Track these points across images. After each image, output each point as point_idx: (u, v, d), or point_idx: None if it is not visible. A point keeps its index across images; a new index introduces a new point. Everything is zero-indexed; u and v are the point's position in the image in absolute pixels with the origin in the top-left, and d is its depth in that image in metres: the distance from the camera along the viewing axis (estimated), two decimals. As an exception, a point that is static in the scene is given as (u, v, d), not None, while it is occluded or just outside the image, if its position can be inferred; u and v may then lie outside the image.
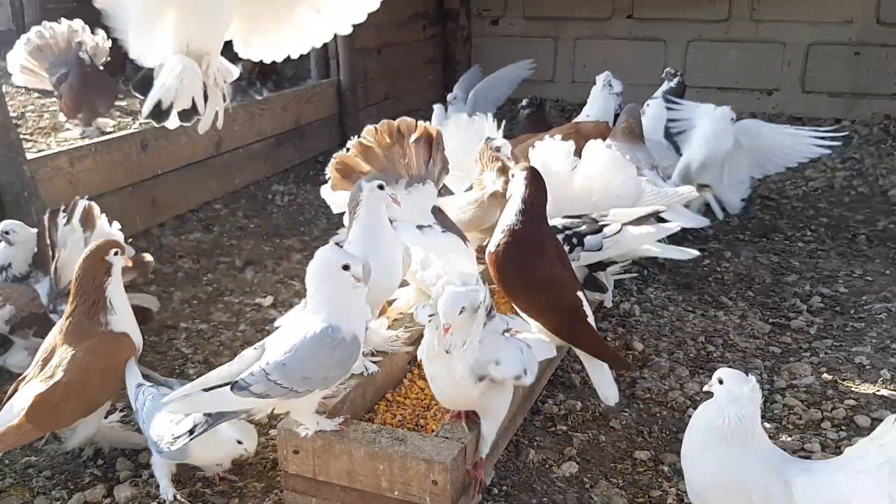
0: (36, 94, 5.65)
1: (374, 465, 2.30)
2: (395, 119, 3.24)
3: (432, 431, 2.54)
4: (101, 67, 4.96)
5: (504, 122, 4.39)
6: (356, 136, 3.25)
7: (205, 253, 4.63)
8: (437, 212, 3.13)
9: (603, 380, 2.77)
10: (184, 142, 4.89)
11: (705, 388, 2.27)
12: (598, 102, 5.35)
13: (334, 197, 3.30)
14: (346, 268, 2.19)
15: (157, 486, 2.56)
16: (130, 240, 3.49)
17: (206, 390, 2.19)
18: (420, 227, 2.92)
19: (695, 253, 3.31)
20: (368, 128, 3.21)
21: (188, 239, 4.80)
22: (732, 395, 2.14)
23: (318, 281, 2.24)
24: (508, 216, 2.73)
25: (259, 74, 6.43)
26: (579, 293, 2.77)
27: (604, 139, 4.18)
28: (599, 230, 3.12)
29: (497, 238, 2.73)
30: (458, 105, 6.27)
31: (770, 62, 7.57)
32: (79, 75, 4.80)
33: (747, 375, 2.17)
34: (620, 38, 8.00)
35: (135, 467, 2.72)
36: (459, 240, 3.00)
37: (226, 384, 2.18)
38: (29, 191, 3.69)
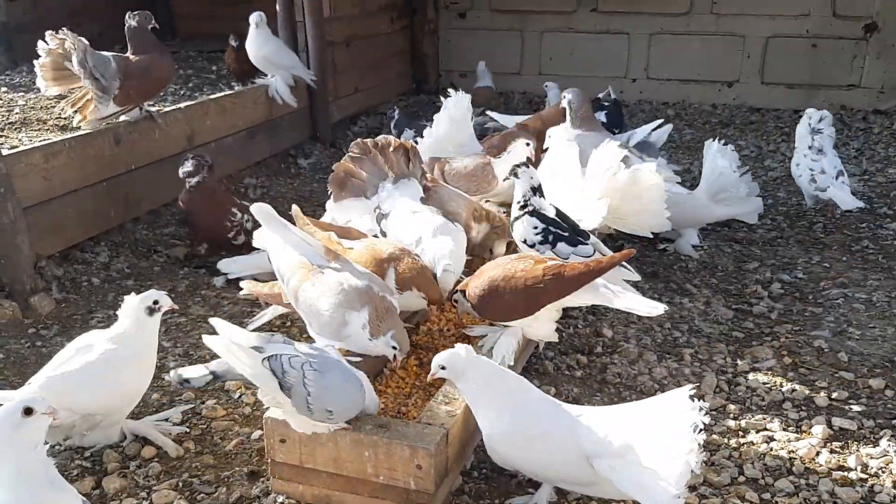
0: (3, 90, 5.61)
1: (359, 452, 2.40)
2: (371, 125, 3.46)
3: (413, 418, 2.64)
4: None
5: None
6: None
7: (180, 247, 4.65)
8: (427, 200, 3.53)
9: (634, 304, 2.80)
10: (156, 136, 4.88)
11: (429, 378, 2.47)
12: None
13: (339, 212, 3.63)
14: None
15: (145, 478, 2.64)
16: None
17: None
18: (415, 213, 3.33)
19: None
20: (355, 142, 3.66)
21: (163, 233, 4.82)
22: (456, 371, 2.38)
23: None
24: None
25: (242, 76, 6.22)
26: (529, 261, 2.93)
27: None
28: (575, 244, 3.29)
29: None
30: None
31: (730, 55, 7.78)
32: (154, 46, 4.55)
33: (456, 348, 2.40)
34: (585, 31, 8.13)
35: (122, 459, 2.77)
36: (447, 221, 3.33)
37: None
38: (5, 187, 3.68)
